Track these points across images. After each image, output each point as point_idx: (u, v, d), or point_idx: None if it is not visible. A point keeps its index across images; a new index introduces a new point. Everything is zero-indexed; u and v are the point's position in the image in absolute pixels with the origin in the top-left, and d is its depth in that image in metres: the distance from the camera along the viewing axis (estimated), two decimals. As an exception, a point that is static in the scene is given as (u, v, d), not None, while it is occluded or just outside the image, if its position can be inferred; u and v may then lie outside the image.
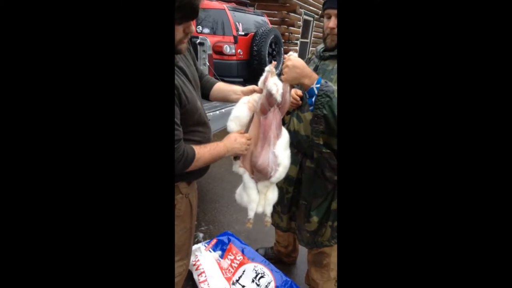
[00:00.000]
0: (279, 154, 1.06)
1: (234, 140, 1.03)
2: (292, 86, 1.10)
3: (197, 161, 0.93)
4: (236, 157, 1.10)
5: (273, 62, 1.02)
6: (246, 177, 1.11)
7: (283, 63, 1.03)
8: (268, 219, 1.15)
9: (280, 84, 0.98)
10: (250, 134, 1.07)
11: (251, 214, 1.12)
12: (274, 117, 1.04)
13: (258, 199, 1.12)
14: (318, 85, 0.99)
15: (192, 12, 0.79)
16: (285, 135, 1.09)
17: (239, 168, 1.12)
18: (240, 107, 1.07)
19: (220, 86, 1.18)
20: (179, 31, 0.83)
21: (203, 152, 0.95)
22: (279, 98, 0.98)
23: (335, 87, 1.00)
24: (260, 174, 1.07)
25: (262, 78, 1.02)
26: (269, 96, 0.99)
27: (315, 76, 1.01)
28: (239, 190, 1.16)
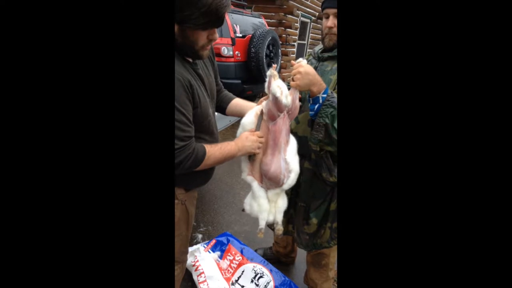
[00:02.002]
0: (291, 161, 1.05)
1: (245, 138, 1.01)
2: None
3: (207, 159, 0.92)
4: (251, 157, 1.07)
5: (273, 65, 1.01)
6: (256, 186, 1.08)
7: (280, 65, 1.03)
8: (280, 227, 1.12)
9: (284, 86, 0.98)
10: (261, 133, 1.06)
11: (262, 224, 1.08)
12: (284, 123, 1.02)
13: (269, 208, 1.09)
14: (325, 95, 1.01)
15: (217, 19, 0.80)
16: (293, 141, 1.09)
17: (247, 176, 1.09)
18: (247, 115, 1.07)
19: (238, 102, 1.19)
20: (203, 37, 0.84)
21: (213, 150, 0.94)
22: (284, 100, 0.96)
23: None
24: (271, 182, 1.05)
25: (266, 84, 1.02)
26: (275, 99, 0.98)
27: (323, 85, 1.02)
28: (248, 200, 1.12)
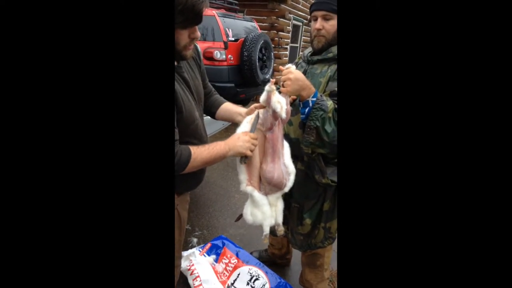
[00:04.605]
0: (289, 164, 1.08)
1: (237, 138, 0.99)
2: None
3: (194, 161, 0.89)
4: (243, 159, 1.05)
5: (271, 80, 1.02)
6: (257, 195, 1.08)
7: (273, 70, 1.04)
8: (282, 228, 1.14)
9: (283, 101, 1.00)
10: (255, 139, 1.05)
11: (267, 230, 1.10)
12: (279, 130, 1.05)
13: (271, 213, 1.11)
14: (314, 99, 1.03)
15: (195, 16, 0.79)
16: (286, 144, 1.11)
17: (247, 187, 1.09)
18: (243, 126, 1.07)
19: (227, 106, 1.18)
20: (184, 36, 0.83)
21: (200, 151, 0.91)
22: (283, 115, 0.99)
23: (329, 102, 1.03)
24: (275, 188, 1.08)
25: (263, 97, 1.02)
26: (274, 114, 1.00)
27: (313, 89, 1.04)
28: (249, 211, 1.11)
